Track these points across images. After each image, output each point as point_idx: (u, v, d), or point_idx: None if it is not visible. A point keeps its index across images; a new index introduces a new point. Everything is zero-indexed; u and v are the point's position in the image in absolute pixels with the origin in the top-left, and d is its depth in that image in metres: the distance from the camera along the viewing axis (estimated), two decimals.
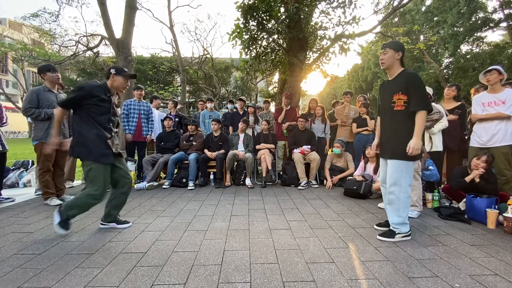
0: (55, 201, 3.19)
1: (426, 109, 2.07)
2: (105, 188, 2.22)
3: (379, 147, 2.44)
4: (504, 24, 16.89)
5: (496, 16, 17.16)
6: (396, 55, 2.17)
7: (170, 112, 5.57)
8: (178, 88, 19.04)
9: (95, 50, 9.04)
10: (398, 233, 2.18)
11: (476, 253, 1.96)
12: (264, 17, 4.89)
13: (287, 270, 1.69)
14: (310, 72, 5.76)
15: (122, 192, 2.40)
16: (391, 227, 2.25)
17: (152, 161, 4.38)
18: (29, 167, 4.61)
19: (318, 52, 5.79)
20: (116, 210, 2.44)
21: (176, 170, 4.51)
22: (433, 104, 3.40)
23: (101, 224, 2.45)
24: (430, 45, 17.45)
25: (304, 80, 5.80)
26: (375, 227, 2.49)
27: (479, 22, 17.19)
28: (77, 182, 4.61)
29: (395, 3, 6.26)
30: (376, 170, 3.70)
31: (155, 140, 4.83)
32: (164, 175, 4.64)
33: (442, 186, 3.57)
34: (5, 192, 3.62)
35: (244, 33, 4.91)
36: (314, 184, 4.41)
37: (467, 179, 2.85)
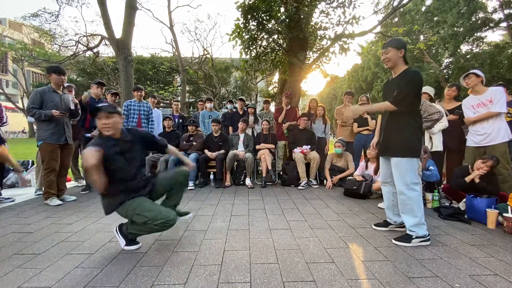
0: (55, 201, 3.19)
1: (394, 105, 2.08)
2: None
3: (377, 146, 2.44)
4: (504, 24, 16.89)
5: (496, 16, 17.17)
6: (398, 53, 2.14)
7: (173, 112, 5.58)
8: (178, 88, 19.03)
9: (95, 50, 9.06)
10: (416, 237, 2.08)
11: (476, 253, 1.96)
12: (264, 17, 4.88)
13: (287, 270, 1.69)
14: (310, 72, 5.76)
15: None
16: (407, 231, 2.15)
17: (152, 161, 4.38)
18: (29, 167, 4.61)
19: (318, 52, 5.79)
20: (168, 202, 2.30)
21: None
22: (433, 104, 3.43)
23: None
24: (430, 45, 17.46)
25: (304, 80, 5.81)
26: (373, 227, 2.49)
27: (479, 22, 17.18)
28: (73, 183, 4.56)
29: (395, 3, 6.26)
30: (376, 171, 3.69)
31: None
32: None
33: (442, 186, 3.57)
34: (5, 192, 3.62)
35: (244, 33, 4.91)
36: (314, 184, 4.41)
37: (467, 179, 2.86)
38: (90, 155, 1.72)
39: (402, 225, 2.34)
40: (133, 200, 1.96)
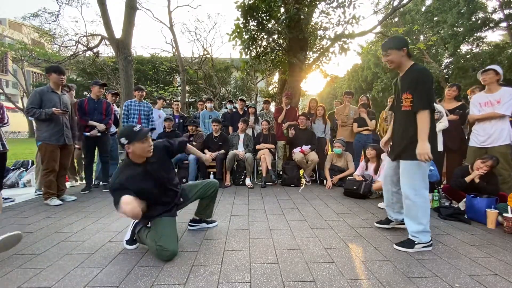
0: (55, 201, 3.19)
1: (427, 109, 1.90)
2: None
3: (387, 144, 2.36)
4: (504, 24, 16.91)
5: (496, 16, 17.20)
6: (401, 53, 2.02)
7: (173, 112, 5.59)
8: (178, 88, 19.05)
9: (95, 50, 9.06)
10: (418, 243, 1.99)
11: (476, 253, 1.96)
12: (264, 17, 4.89)
13: (287, 270, 1.69)
14: (310, 72, 5.76)
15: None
16: (409, 236, 2.05)
17: None
18: (29, 167, 4.60)
19: (318, 52, 5.79)
20: (203, 212, 2.45)
21: (176, 170, 4.51)
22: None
23: (190, 225, 2.47)
24: (430, 45, 17.47)
25: (304, 80, 5.81)
26: (376, 224, 2.49)
27: (479, 22, 17.20)
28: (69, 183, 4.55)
29: (395, 3, 6.26)
30: (376, 170, 3.70)
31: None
32: None
33: (442, 186, 3.57)
34: (5, 192, 3.63)
35: (244, 33, 4.91)
36: (307, 181, 4.45)
37: (467, 179, 2.85)
38: (132, 208, 1.60)
39: (403, 222, 2.33)
40: (160, 218, 1.96)
